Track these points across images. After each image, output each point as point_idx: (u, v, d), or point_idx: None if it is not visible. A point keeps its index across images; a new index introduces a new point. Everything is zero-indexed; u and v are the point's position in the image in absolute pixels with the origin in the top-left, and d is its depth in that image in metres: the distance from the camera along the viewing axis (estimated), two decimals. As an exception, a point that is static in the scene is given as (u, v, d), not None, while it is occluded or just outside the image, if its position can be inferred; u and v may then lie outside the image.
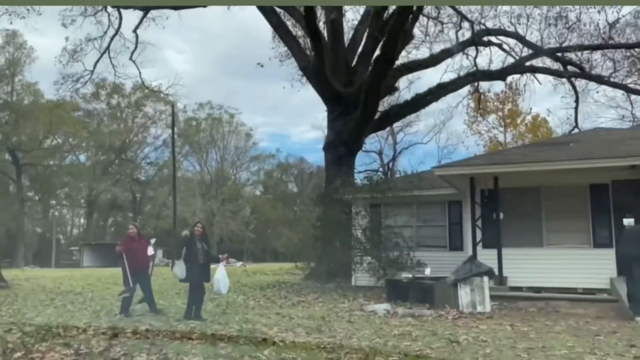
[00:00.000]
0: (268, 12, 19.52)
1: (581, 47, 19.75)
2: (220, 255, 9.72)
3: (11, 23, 26.45)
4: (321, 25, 19.11)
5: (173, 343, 6.02)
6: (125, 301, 9.41)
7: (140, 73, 27.58)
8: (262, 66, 24.56)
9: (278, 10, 20.01)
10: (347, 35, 20.40)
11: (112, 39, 23.16)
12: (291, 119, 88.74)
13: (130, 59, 24.50)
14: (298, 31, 20.84)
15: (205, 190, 60.37)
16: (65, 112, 45.41)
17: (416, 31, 20.88)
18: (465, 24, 21.10)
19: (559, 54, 20.55)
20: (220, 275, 9.25)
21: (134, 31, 23.61)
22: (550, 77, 22.36)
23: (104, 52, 23.51)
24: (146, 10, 22.41)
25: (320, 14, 19.55)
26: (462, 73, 21.26)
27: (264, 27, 20.29)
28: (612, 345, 6.64)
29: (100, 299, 12.34)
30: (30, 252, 52.14)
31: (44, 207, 56.87)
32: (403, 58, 20.93)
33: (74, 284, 16.70)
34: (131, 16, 26.04)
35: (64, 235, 65.49)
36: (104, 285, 16.44)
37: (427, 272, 12.41)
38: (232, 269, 29.67)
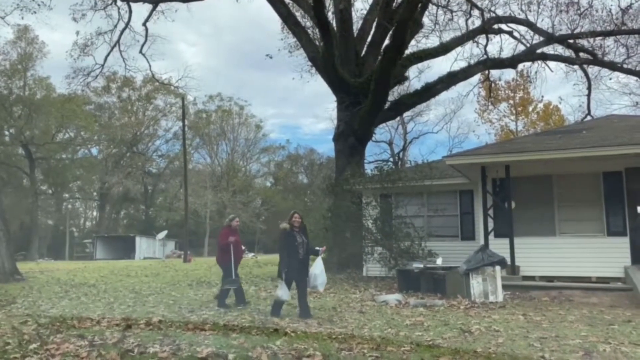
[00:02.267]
0: (276, 3, 19.41)
1: (593, 34, 19.43)
2: (318, 248, 8.62)
3: (22, 18, 26.72)
4: (330, 15, 18.99)
5: (186, 334, 6.06)
6: (223, 293, 9.36)
7: (150, 66, 27.71)
8: (270, 57, 24.56)
9: (286, 0, 19.92)
10: (356, 25, 20.26)
11: (122, 32, 23.23)
12: (302, 110, 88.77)
13: (140, 52, 24.60)
14: (307, 22, 20.73)
15: (216, 182, 60.58)
16: (76, 106, 45.65)
17: (425, 20, 20.68)
18: (475, 12, 20.80)
19: (571, 41, 20.23)
20: (318, 269, 8.30)
21: (144, 24, 23.67)
22: (562, 65, 22.05)
23: (114, 45, 23.59)
24: (155, 3, 22.42)
25: (329, 4, 19.42)
26: (472, 61, 21.00)
27: (274, 19, 20.20)
28: (627, 334, 6.59)
29: (114, 290, 12.45)
30: (45, 244, 52.68)
31: (57, 201, 57.40)
32: (412, 47, 20.76)
33: (88, 276, 16.87)
34: (141, 9, 26.15)
35: (77, 228, 66.16)
36: (117, 277, 16.60)
37: (439, 262, 12.40)
38: (243, 260, 29.78)
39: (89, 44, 23.45)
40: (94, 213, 66.01)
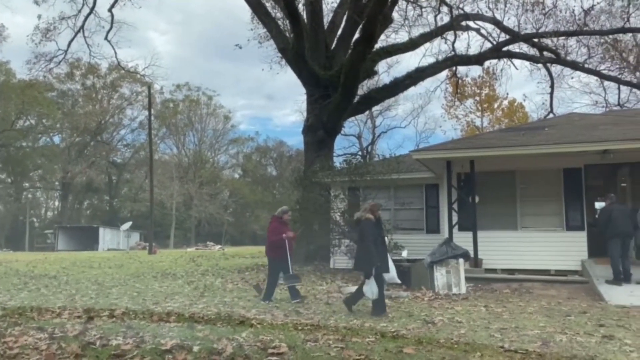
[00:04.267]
0: (246, -7, 19.20)
1: (557, 33, 19.94)
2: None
3: (-20, 0, 25.61)
4: (300, 7, 18.90)
5: (150, 326, 5.99)
6: (293, 290, 9.07)
7: (115, 53, 26.87)
8: (240, 48, 24.28)
9: (257, -10, 19.69)
10: (327, 17, 20.19)
11: (86, 17, 22.58)
12: (272, 102, 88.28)
13: (106, 38, 23.97)
14: (277, 12, 20.56)
15: (183, 173, 59.79)
16: (38, 93, 44.35)
17: (395, 15, 20.77)
18: (444, 8, 21.06)
19: (536, 40, 20.71)
20: (390, 262, 8.06)
21: (109, 10, 23.08)
22: (527, 63, 22.55)
23: (78, 31, 22.91)
24: (121, -12, 21.90)
25: (300, -4, 19.29)
26: (440, 57, 21.27)
27: (245, 8, 19.91)
28: (582, 324, 6.83)
29: (76, 282, 12.20)
30: (3, 235, 51.19)
31: (17, 190, 55.77)
32: (382, 42, 20.84)
33: (49, 268, 16.47)
34: (106, -6, 25.32)
35: (37, 218, 64.40)
36: (80, 268, 16.26)
37: (404, 254, 12.57)
38: (210, 252, 29.59)
39: (52, 28, 22.74)
40: (56, 203, 64.39)
